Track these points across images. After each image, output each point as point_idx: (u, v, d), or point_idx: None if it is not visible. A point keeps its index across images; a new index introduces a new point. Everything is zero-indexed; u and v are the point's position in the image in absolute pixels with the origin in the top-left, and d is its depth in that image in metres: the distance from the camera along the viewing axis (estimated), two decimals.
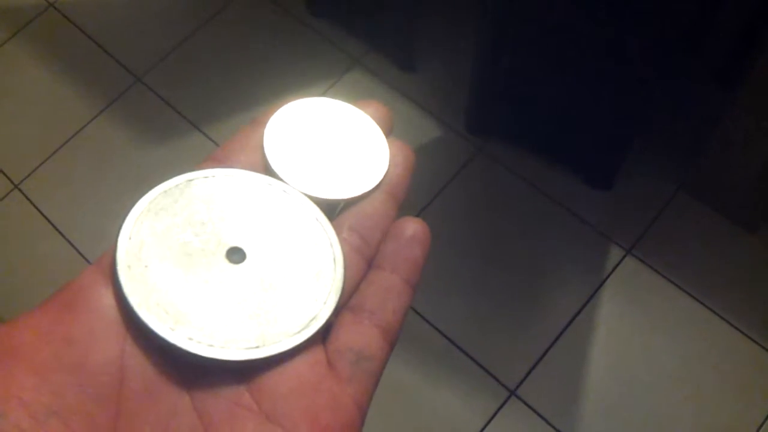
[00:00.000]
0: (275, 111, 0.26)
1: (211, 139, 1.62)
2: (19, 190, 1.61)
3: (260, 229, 0.22)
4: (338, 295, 0.22)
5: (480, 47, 1.38)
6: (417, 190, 1.53)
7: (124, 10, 1.84)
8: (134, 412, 0.19)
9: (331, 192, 0.24)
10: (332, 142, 0.25)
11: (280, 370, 0.20)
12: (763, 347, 1.33)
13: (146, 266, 0.21)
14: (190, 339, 0.20)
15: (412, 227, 0.26)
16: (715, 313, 1.36)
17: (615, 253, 1.42)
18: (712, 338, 1.34)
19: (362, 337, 0.22)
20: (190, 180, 0.23)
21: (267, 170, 0.24)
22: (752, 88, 1.20)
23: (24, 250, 1.54)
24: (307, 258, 0.22)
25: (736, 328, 1.34)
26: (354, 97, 1.71)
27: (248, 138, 0.25)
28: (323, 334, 0.22)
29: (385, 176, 0.25)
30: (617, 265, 1.41)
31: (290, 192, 0.23)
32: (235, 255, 0.22)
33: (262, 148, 0.25)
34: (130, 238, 0.22)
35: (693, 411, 1.29)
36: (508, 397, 1.31)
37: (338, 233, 0.24)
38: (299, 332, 0.21)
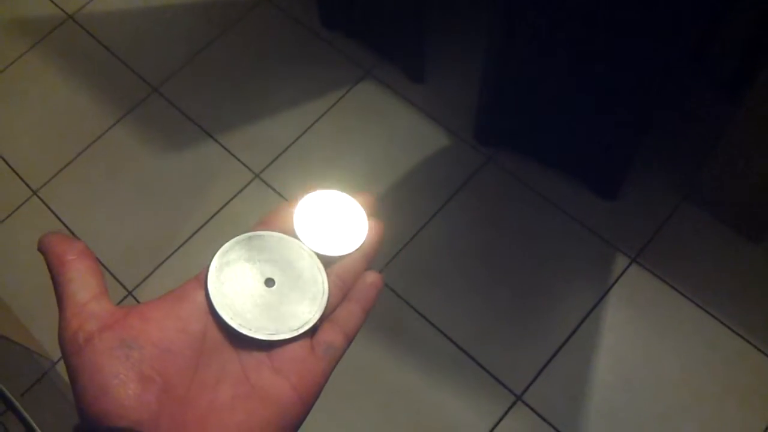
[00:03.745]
0: (302, 198, 0.41)
1: (225, 148, 1.66)
2: (38, 196, 1.65)
3: (285, 268, 0.38)
4: (322, 312, 0.37)
5: (489, 59, 1.40)
6: (427, 198, 1.55)
7: (141, 22, 1.88)
8: (209, 357, 0.34)
9: (329, 251, 0.39)
10: (334, 218, 0.41)
11: (285, 347, 0.36)
12: (766, 355, 1.34)
13: (222, 283, 0.36)
14: (240, 325, 0.35)
15: (371, 278, 0.40)
16: (719, 321, 1.38)
17: (620, 261, 1.44)
18: (716, 346, 1.36)
19: (332, 336, 0.37)
20: (250, 237, 0.38)
21: (294, 233, 0.39)
22: (756, 100, 1.22)
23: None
24: (308, 288, 0.37)
25: (740, 335, 1.36)
26: (365, 107, 1.74)
27: (284, 212, 0.40)
28: (311, 333, 0.37)
29: (363, 243, 0.40)
30: (622, 272, 1.43)
31: (305, 249, 0.39)
32: (269, 282, 0.37)
33: (292, 219, 0.40)
34: (216, 267, 0.36)
35: (697, 417, 1.30)
36: (515, 402, 1.33)
37: (329, 276, 0.38)
38: (297, 329, 0.36)
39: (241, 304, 0.36)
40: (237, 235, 0.38)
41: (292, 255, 0.38)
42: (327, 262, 0.39)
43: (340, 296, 0.39)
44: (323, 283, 0.38)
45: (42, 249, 0.36)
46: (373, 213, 0.41)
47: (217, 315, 0.35)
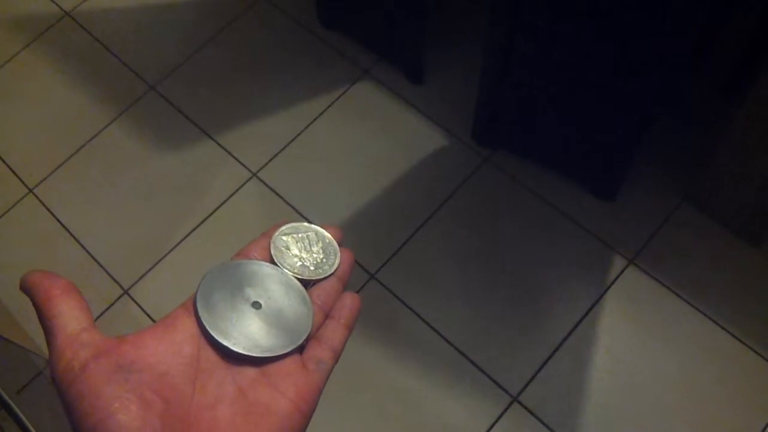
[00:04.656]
0: (276, 229, 0.44)
1: (222, 147, 1.65)
2: (34, 194, 1.64)
3: (269, 292, 0.40)
4: (308, 331, 0.39)
5: (488, 60, 1.40)
6: (424, 198, 1.55)
7: (138, 20, 1.88)
8: (205, 378, 0.35)
9: (307, 275, 0.42)
10: (309, 246, 0.44)
11: (278, 365, 0.37)
12: (764, 358, 1.34)
13: (212, 306, 0.38)
14: (234, 344, 0.36)
15: (350, 298, 0.42)
16: (716, 323, 1.37)
17: (618, 262, 1.44)
18: (714, 348, 1.36)
19: (321, 352, 0.39)
20: (232, 265, 0.40)
21: (272, 260, 0.42)
22: (755, 102, 1.22)
23: (38, 253, 1.57)
24: (293, 309, 0.40)
25: (738, 338, 1.36)
26: (363, 107, 1.74)
27: (261, 242, 0.43)
28: (300, 350, 0.39)
29: (337, 269, 0.43)
30: (620, 274, 1.43)
31: (286, 274, 0.41)
32: (256, 305, 0.39)
33: (269, 248, 0.42)
34: (203, 293, 0.38)
35: (694, 420, 1.30)
36: (511, 403, 1.33)
37: (310, 297, 0.41)
38: (288, 346, 0.38)
39: (232, 325, 0.37)
40: (219, 263, 0.40)
41: (275, 280, 0.41)
42: (306, 285, 0.42)
43: (322, 316, 0.41)
44: (308, 303, 0.40)
45: (26, 287, 0.36)
46: (342, 242, 0.45)
47: (210, 336, 0.36)
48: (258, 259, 0.42)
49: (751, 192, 1.36)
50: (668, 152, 1.54)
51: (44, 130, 1.73)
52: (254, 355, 0.36)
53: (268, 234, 0.44)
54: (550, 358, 1.36)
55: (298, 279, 0.41)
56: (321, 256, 0.43)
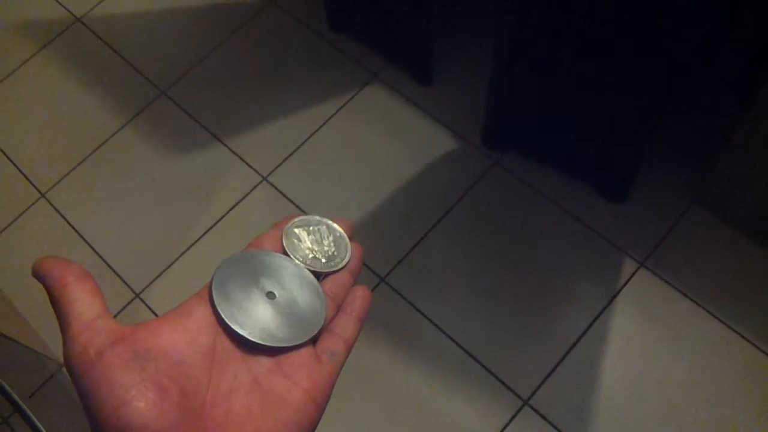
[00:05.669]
0: (288, 221, 0.44)
1: (232, 151, 1.66)
2: (46, 199, 1.65)
3: (283, 283, 0.40)
4: (322, 323, 0.40)
5: (496, 62, 1.40)
6: (434, 201, 1.55)
7: (149, 25, 1.89)
8: (221, 367, 0.35)
9: (319, 268, 0.42)
10: (320, 239, 0.44)
11: (292, 355, 0.37)
12: None
13: (227, 295, 0.38)
14: (250, 334, 0.37)
15: (361, 291, 0.43)
16: (727, 325, 1.37)
17: (628, 265, 1.44)
18: (725, 351, 1.35)
19: (333, 344, 0.39)
20: (246, 256, 0.41)
21: (284, 252, 0.42)
22: (764, 103, 1.22)
23: None
24: (307, 301, 0.40)
25: (749, 340, 1.35)
26: (372, 110, 1.74)
27: (273, 234, 0.43)
28: (314, 341, 0.39)
29: (348, 262, 0.44)
30: (631, 277, 1.43)
31: (298, 265, 0.42)
32: (270, 295, 0.39)
33: (281, 240, 0.43)
34: (219, 282, 0.39)
35: (705, 423, 1.30)
36: (522, 407, 1.33)
37: (322, 289, 0.41)
38: (303, 336, 0.38)
39: (247, 315, 0.38)
40: (233, 253, 0.41)
41: (288, 271, 0.41)
42: (318, 277, 0.42)
43: (334, 308, 0.42)
44: (321, 295, 0.41)
45: (39, 273, 0.36)
46: (352, 236, 0.46)
47: (226, 325, 0.37)
48: (271, 250, 0.42)
49: (760, 193, 1.35)
50: (678, 153, 1.54)
51: (56, 135, 1.74)
52: (269, 344, 0.37)
53: (279, 226, 0.44)
54: (561, 361, 1.36)
55: (310, 270, 0.42)
56: (333, 249, 0.44)
